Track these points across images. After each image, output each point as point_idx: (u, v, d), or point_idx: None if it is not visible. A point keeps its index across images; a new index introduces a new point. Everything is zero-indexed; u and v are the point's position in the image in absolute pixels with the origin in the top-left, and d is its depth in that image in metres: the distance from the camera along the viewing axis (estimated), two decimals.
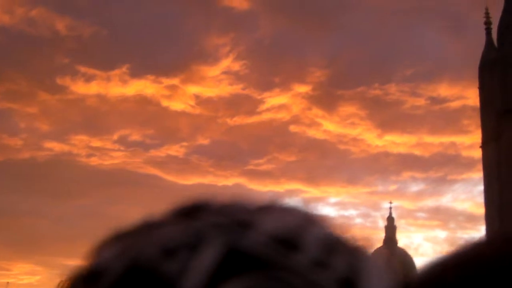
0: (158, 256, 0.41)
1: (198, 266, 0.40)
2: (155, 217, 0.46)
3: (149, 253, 0.42)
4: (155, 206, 0.46)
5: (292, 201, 0.47)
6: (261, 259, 0.41)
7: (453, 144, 49.00)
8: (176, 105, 48.77)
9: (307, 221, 0.45)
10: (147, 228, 0.45)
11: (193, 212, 0.45)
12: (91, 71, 46.13)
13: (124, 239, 0.45)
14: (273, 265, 0.41)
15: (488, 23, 29.56)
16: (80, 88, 46.75)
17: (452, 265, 0.70)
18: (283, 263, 0.41)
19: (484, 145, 30.29)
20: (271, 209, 0.46)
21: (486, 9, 29.77)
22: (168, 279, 0.40)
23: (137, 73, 51.85)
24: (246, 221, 0.43)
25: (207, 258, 0.40)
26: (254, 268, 0.40)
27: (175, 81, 50.42)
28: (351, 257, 0.44)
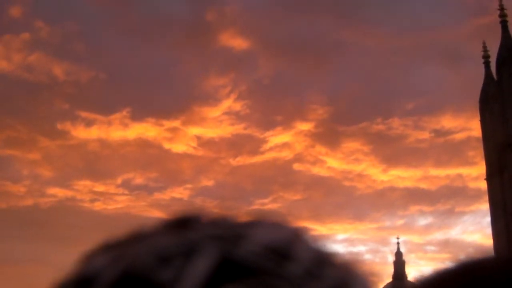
0: (152, 263, 0.42)
1: (192, 273, 0.41)
2: (146, 228, 0.47)
3: (143, 261, 0.42)
4: None
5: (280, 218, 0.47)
6: (255, 268, 0.42)
7: (459, 176, 48.75)
8: (178, 147, 48.79)
9: (297, 234, 0.47)
10: (139, 238, 0.46)
11: (185, 224, 0.46)
12: (91, 115, 46.26)
13: (115, 247, 0.45)
14: (266, 273, 0.42)
15: (486, 57, 29.65)
16: (81, 133, 46.82)
17: (453, 276, 0.69)
18: (277, 272, 0.42)
19: (489, 178, 30.11)
20: (261, 223, 0.47)
21: (484, 42, 29.90)
22: (162, 286, 0.40)
23: (137, 116, 51.95)
24: (238, 233, 0.45)
25: (201, 266, 0.41)
26: (248, 276, 0.41)
27: (176, 123, 50.50)
28: (341, 269, 0.46)
